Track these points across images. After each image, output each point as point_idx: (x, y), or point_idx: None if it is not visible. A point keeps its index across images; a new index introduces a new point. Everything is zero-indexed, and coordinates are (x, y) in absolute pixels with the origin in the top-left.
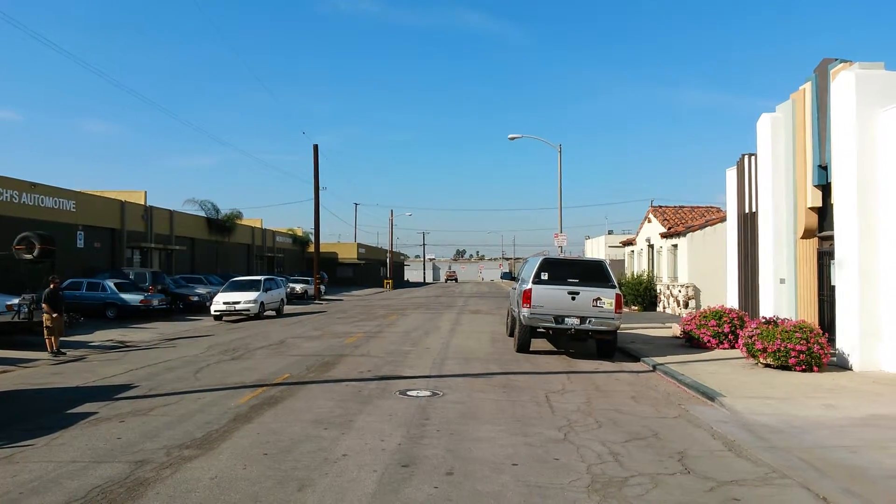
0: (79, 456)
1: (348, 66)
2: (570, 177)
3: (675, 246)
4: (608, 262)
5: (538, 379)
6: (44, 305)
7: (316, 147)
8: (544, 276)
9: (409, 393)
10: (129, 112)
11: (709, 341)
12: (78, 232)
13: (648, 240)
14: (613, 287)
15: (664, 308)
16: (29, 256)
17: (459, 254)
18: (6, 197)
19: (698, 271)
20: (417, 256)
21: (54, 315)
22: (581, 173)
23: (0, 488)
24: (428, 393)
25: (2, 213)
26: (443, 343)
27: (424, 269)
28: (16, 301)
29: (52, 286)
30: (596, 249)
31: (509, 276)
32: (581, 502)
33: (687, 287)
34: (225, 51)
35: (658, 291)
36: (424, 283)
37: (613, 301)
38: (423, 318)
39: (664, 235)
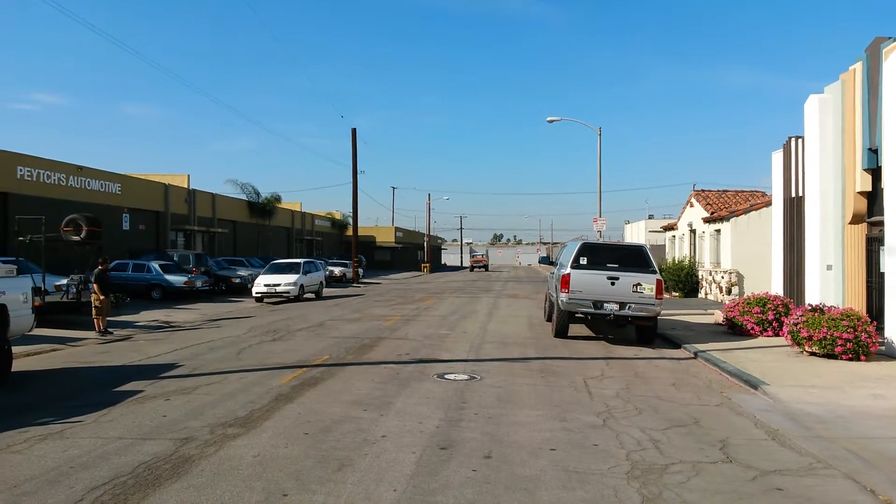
0: (126, 433)
1: (386, 50)
2: (610, 160)
3: (718, 231)
4: (648, 247)
5: (576, 364)
6: (94, 286)
7: (354, 131)
8: (583, 261)
9: (446, 376)
10: (171, 96)
11: (752, 329)
12: (123, 214)
13: (690, 224)
14: (654, 272)
15: (706, 294)
16: (76, 238)
17: (497, 238)
18: (54, 180)
19: (742, 257)
20: (455, 240)
21: (102, 296)
22: (621, 157)
23: (51, 462)
24: (466, 377)
25: (50, 195)
26: (480, 327)
27: (462, 253)
28: (64, 282)
29: (100, 267)
30: (636, 234)
31: (547, 260)
32: (621, 489)
33: (730, 273)
34: (264, 34)
35: (700, 277)
36: (462, 267)
37: (654, 287)
38: (460, 301)
39: (707, 220)
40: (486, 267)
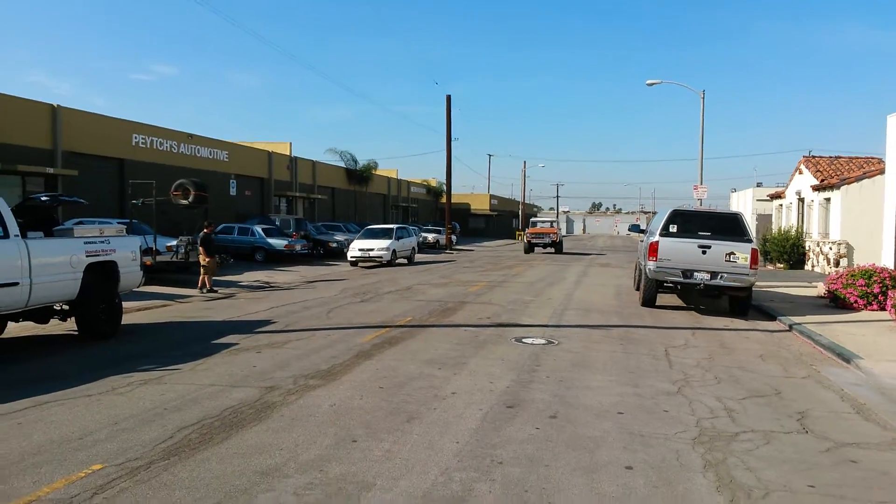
0: (217, 380)
1: (479, 14)
2: (716, 125)
3: (828, 200)
4: (755, 215)
5: (660, 333)
6: (200, 248)
7: (448, 97)
8: (673, 229)
9: (524, 340)
10: (275, 66)
11: (855, 302)
12: (231, 180)
13: (798, 193)
14: (749, 241)
15: (813, 266)
16: (184, 202)
17: (595, 206)
18: (166, 147)
19: (852, 227)
20: (551, 208)
21: (208, 257)
22: (729, 121)
23: (148, 404)
24: (543, 341)
25: (162, 161)
26: (566, 294)
27: (558, 222)
28: (174, 242)
29: (206, 230)
30: (742, 203)
31: (637, 228)
32: (684, 453)
33: (839, 244)
34: (361, 2)
35: (807, 248)
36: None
37: (749, 256)
38: (549, 269)
39: (816, 188)
40: (556, 246)
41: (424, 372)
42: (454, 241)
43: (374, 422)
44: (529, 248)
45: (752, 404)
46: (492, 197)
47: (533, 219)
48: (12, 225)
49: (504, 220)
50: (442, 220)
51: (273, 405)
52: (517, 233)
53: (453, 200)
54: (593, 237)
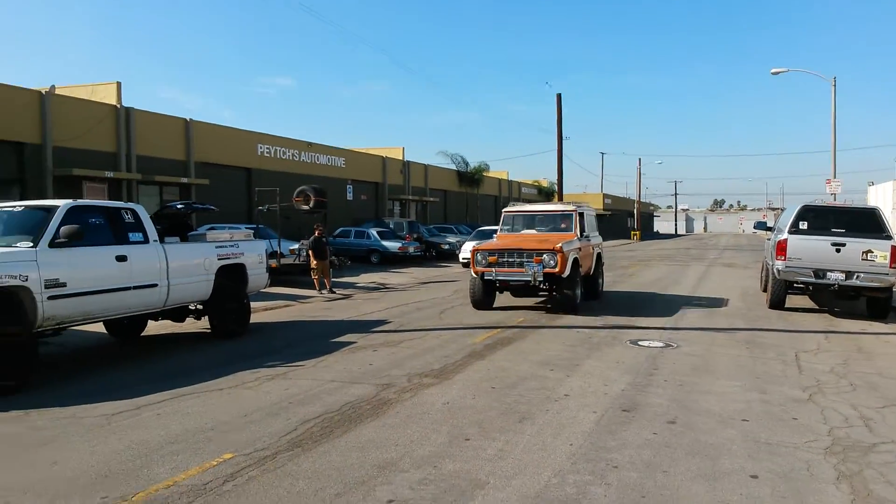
0: (337, 377)
1: (592, 12)
2: (851, 114)
3: None
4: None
5: (789, 337)
6: (309, 252)
7: (559, 96)
8: (803, 226)
9: (640, 343)
10: (388, 75)
11: None
12: (347, 186)
13: None
14: (889, 238)
15: None
16: (305, 207)
17: (717, 204)
18: (288, 156)
19: None
20: (669, 207)
21: (317, 260)
22: (866, 107)
23: (275, 398)
24: (661, 344)
25: (284, 169)
26: (685, 295)
27: (676, 221)
28: (297, 246)
29: (315, 234)
30: (881, 197)
31: (763, 226)
32: (815, 463)
33: None
34: (469, 9)
35: None
36: (676, 235)
37: (888, 254)
38: (667, 269)
39: None
40: (559, 284)
41: (536, 373)
42: None
43: (487, 421)
44: (483, 293)
45: (893, 413)
46: (605, 196)
47: (507, 208)
48: (152, 231)
49: (619, 220)
50: None
51: (389, 402)
52: (632, 233)
53: (565, 200)
54: (716, 236)
